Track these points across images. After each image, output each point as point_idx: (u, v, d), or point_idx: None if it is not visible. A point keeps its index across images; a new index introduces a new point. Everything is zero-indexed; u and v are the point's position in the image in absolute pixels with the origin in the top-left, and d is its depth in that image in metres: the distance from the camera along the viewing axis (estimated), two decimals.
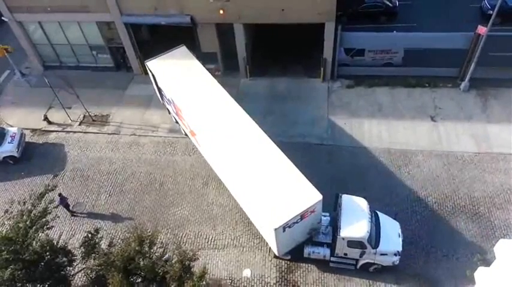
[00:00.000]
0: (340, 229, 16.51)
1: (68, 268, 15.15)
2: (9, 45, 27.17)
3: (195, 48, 24.02)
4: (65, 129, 25.37)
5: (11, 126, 25.29)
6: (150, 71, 22.57)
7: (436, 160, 21.54)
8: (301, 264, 18.27)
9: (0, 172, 23.33)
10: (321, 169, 21.60)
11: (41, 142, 24.90)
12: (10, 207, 15.25)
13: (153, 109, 25.69)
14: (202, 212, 20.65)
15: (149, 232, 15.05)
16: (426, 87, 25.03)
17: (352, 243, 16.62)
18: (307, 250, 17.68)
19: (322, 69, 25.56)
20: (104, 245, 15.55)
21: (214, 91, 20.64)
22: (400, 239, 17.28)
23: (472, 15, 28.18)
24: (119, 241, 16.98)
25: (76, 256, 15.42)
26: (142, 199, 21.51)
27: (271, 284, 18.01)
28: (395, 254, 16.99)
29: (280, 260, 18.53)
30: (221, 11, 23.67)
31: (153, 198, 21.47)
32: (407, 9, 29.68)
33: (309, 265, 18.25)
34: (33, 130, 25.53)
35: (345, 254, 17.19)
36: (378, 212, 17.83)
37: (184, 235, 19.89)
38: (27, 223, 14.42)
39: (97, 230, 15.62)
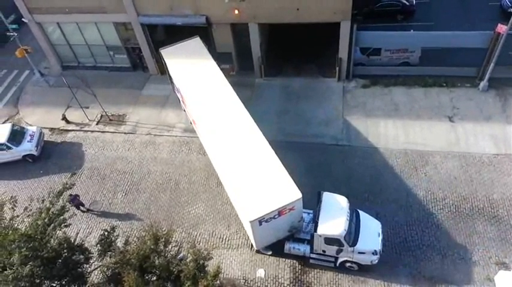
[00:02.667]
0: (317, 225, 16.61)
1: (85, 265, 15.34)
2: (28, 46, 27.77)
3: (210, 49, 24.16)
4: (83, 129, 25.80)
5: (30, 125, 25.85)
6: (163, 59, 23.43)
7: (453, 161, 21.17)
8: (315, 265, 18.16)
9: (19, 170, 23.85)
10: (336, 169, 21.50)
11: (59, 141, 25.37)
12: (29, 205, 15.56)
13: (169, 109, 25.92)
14: (216, 212, 20.73)
15: (164, 230, 15.11)
16: (444, 87, 24.61)
17: (329, 240, 16.68)
18: (288, 246, 17.95)
19: (337, 68, 25.38)
20: (120, 243, 15.75)
21: (218, 83, 21.27)
22: (380, 239, 17.25)
23: (492, 13, 27.56)
24: (135, 239, 17.11)
25: (92, 253, 15.62)
26: (158, 197, 21.71)
27: (285, 285, 17.97)
28: (373, 253, 16.94)
29: (295, 261, 18.46)
30: (236, 11, 23.73)
31: (168, 197, 21.66)
32: (424, 7, 29.25)
33: (323, 266, 18.16)
34: (52, 129, 26.03)
35: (323, 251, 17.29)
36: (359, 211, 17.85)
37: (198, 234, 20.01)
38: (46, 220, 14.61)
39: (113, 229, 15.79)
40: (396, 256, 18.19)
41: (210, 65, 22.26)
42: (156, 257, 14.32)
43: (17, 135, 23.86)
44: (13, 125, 24.58)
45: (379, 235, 17.32)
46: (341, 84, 25.76)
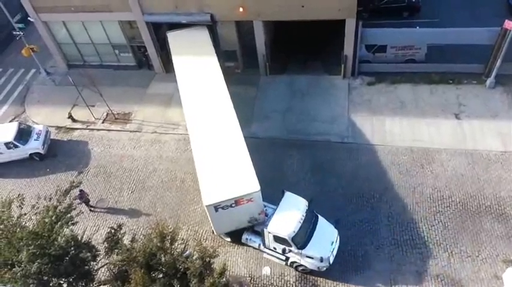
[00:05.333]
0: (269, 223, 16.91)
1: (92, 263, 15.38)
2: (35, 44, 27.91)
3: (215, 46, 24.18)
4: (89, 127, 25.92)
5: (37, 123, 26.00)
6: (167, 42, 24.57)
7: (460, 159, 21.04)
8: None
9: (26, 168, 24.00)
10: (341, 167, 21.45)
11: (65, 139, 25.51)
12: (37, 202, 15.65)
13: (174, 107, 25.88)
14: None
15: (170, 228, 15.15)
16: (450, 84, 24.44)
17: (278, 239, 16.93)
18: (245, 236, 18.51)
19: (342, 66, 25.28)
20: (126, 240, 15.79)
21: (211, 72, 21.94)
22: (332, 247, 17.23)
23: (499, 9, 27.28)
24: (141, 236, 17.24)
25: (99, 251, 15.69)
26: (164, 195, 21.78)
27: (291, 282, 17.97)
28: (321, 260, 16.94)
29: None
30: (241, 9, 23.69)
31: (174, 195, 21.72)
32: (430, 4, 28.96)
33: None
34: (58, 128, 26.17)
35: (274, 248, 17.56)
36: (319, 216, 17.91)
37: (204, 231, 20.04)
38: (53, 218, 14.70)
39: (120, 226, 15.83)
40: (403, 254, 18.14)
41: (208, 54, 23.02)
42: (162, 255, 14.37)
43: (23, 134, 23.99)
44: (20, 124, 24.72)
45: (332, 244, 17.33)
46: (346, 82, 25.65)
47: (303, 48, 27.26)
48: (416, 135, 22.33)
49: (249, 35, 25.58)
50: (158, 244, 14.34)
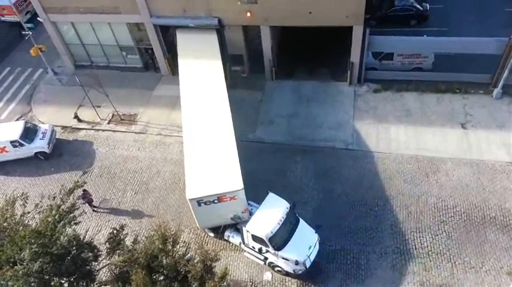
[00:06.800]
0: (248, 222, 17.11)
1: (93, 263, 15.36)
2: (43, 44, 28.14)
3: (221, 50, 24.27)
4: (94, 128, 26.02)
5: (43, 123, 26.15)
6: (176, 39, 24.96)
7: (465, 169, 20.90)
8: (323, 270, 18.05)
9: (31, 167, 24.12)
10: (346, 174, 21.38)
11: (71, 139, 25.62)
12: (40, 201, 15.72)
13: (179, 110, 25.70)
14: None
15: (172, 230, 15.13)
16: (457, 93, 24.33)
17: (256, 238, 17.16)
18: (227, 233, 18.94)
19: (349, 72, 25.26)
20: (128, 242, 15.78)
21: (213, 73, 22.25)
22: (310, 251, 17.20)
23: (507, 19, 27.19)
24: (143, 238, 17.24)
25: (101, 251, 15.67)
26: (167, 197, 21.78)
27: None
28: (296, 263, 16.96)
29: None
30: (248, 14, 23.78)
31: (177, 197, 21.70)
32: (438, 13, 28.95)
33: (332, 271, 18.06)
34: (64, 127, 26.30)
35: (253, 247, 17.67)
36: (301, 220, 17.97)
37: (206, 235, 20.00)
38: (56, 217, 14.72)
39: (122, 227, 15.82)
40: (405, 263, 18.01)
41: (213, 55, 23.31)
42: (164, 257, 14.35)
43: (29, 133, 24.12)
44: (26, 123, 24.86)
45: (309, 248, 17.29)
46: (352, 89, 25.62)
47: (309, 54, 27.28)
48: (421, 144, 22.23)
49: (255, 39, 25.68)
50: (160, 246, 14.32)
